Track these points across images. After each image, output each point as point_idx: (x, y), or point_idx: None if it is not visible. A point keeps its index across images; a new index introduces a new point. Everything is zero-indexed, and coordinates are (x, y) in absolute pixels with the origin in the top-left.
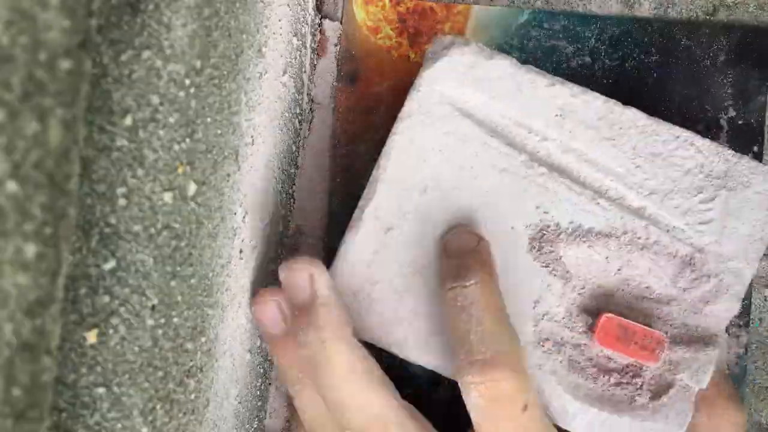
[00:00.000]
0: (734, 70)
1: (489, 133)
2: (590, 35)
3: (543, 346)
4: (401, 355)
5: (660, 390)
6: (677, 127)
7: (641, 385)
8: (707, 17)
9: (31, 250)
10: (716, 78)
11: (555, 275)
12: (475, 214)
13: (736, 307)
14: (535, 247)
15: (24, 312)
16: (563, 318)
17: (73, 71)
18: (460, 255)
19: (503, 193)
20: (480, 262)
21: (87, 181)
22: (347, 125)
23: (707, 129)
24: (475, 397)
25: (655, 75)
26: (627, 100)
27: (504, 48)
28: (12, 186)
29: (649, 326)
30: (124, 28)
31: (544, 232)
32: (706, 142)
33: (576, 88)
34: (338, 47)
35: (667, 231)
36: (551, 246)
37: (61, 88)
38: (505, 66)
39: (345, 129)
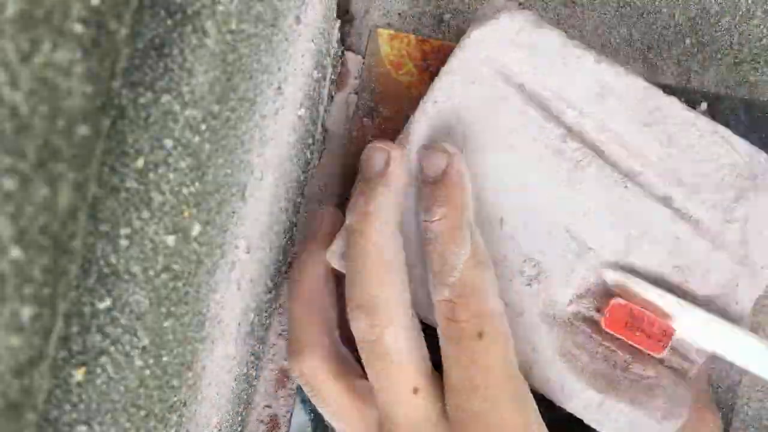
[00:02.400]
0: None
1: (528, 102)
2: None
3: (552, 320)
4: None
5: (662, 379)
6: (716, 123)
7: (644, 373)
8: (728, 91)
9: (27, 312)
10: None
11: (574, 252)
12: (501, 181)
13: (747, 307)
14: (556, 227)
15: (13, 373)
16: (576, 295)
17: (90, 136)
18: (431, 181)
19: (534, 165)
20: (446, 194)
21: (92, 220)
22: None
23: None
24: (437, 314)
25: None
26: None
27: None
28: (16, 252)
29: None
30: (146, 72)
31: (570, 210)
32: (742, 141)
33: (621, 69)
34: (359, 80)
35: (690, 224)
36: (574, 225)
37: (77, 152)
38: (553, 37)
39: (358, 161)
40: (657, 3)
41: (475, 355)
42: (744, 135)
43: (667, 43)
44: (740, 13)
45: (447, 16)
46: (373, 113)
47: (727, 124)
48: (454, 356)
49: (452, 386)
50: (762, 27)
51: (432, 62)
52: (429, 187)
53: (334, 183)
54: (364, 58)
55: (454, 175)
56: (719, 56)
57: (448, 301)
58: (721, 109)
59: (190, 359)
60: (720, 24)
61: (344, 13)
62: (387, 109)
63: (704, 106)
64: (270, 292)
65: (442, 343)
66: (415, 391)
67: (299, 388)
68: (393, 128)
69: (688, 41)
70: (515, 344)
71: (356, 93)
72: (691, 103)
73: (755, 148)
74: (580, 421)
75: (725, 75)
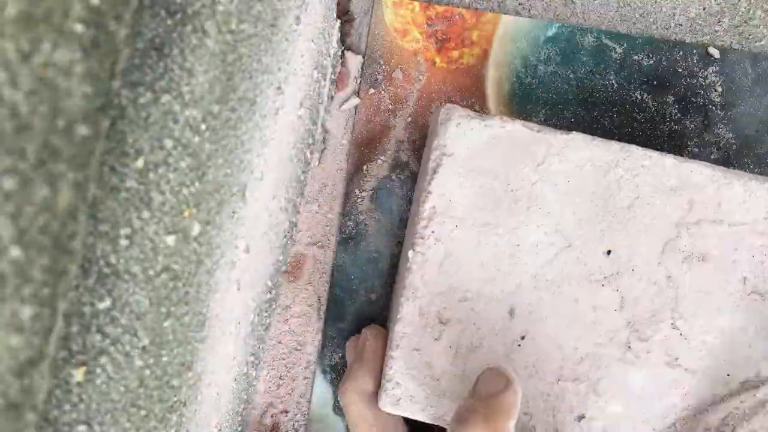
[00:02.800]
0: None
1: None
2: (617, 55)
3: None
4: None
5: None
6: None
7: None
8: (740, 46)
9: (27, 312)
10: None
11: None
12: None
13: None
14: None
15: (13, 373)
16: None
17: (89, 136)
18: (485, 398)
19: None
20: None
21: (92, 220)
22: (366, 130)
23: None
24: None
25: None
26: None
27: (530, 60)
28: (15, 252)
29: None
30: (146, 71)
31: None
32: None
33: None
34: (366, 50)
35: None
36: None
37: (76, 152)
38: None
39: (363, 132)
40: (657, 3)
41: None
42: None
43: (667, 44)
44: (740, 13)
45: None
46: (379, 82)
47: (734, 77)
48: None
49: None
50: (762, 27)
51: (438, 28)
52: (481, 401)
53: (336, 182)
54: (368, 27)
55: (510, 397)
56: None
57: None
58: (731, 61)
59: (190, 359)
60: (720, 24)
61: (344, 13)
62: (393, 76)
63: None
64: (270, 291)
65: None
66: None
67: (320, 356)
68: (406, 93)
69: (687, 42)
70: None
71: (362, 62)
72: (700, 61)
73: None
74: None
75: (731, 32)
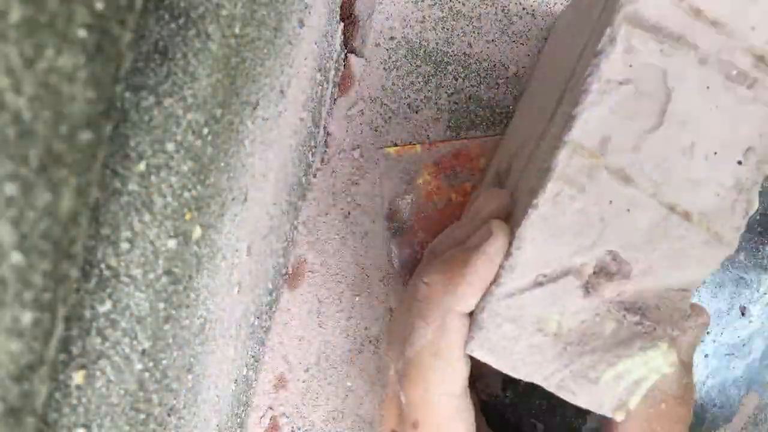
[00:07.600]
0: None
1: None
2: None
3: None
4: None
5: None
6: None
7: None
8: None
9: (27, 317)
10: None
11: None
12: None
13: None
14: None
15: (13, 378)
16: None
17: (92, 141)
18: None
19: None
20: (457, 263)
21: (93, 223)
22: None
23: None
24: None
25: None
26: None
27: None
28: (17, 257)
29: None
30: (149, 75)
31: None
32: None
33: None
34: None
35: None
36: None
37: (79, 158)
38: None
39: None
40: None
41: None
42: None
43: None
44: None
45: (450, 23)
46: (402, 232)
47: None
48: None
49: None
50: None
51: (445, 164)
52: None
53: (338, 190)
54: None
55: (490, 246)
56: None
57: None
58: None
59: (190, 362)
60: None
61: (347, 16)
62: (415, 226)
63: None
64: (270, 294)
65: None
66: None
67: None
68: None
69: None
70: None
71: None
72: None
73: None
74: None
75: None
